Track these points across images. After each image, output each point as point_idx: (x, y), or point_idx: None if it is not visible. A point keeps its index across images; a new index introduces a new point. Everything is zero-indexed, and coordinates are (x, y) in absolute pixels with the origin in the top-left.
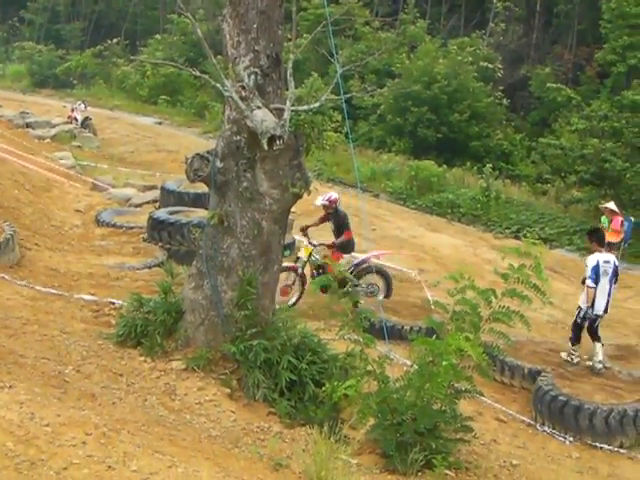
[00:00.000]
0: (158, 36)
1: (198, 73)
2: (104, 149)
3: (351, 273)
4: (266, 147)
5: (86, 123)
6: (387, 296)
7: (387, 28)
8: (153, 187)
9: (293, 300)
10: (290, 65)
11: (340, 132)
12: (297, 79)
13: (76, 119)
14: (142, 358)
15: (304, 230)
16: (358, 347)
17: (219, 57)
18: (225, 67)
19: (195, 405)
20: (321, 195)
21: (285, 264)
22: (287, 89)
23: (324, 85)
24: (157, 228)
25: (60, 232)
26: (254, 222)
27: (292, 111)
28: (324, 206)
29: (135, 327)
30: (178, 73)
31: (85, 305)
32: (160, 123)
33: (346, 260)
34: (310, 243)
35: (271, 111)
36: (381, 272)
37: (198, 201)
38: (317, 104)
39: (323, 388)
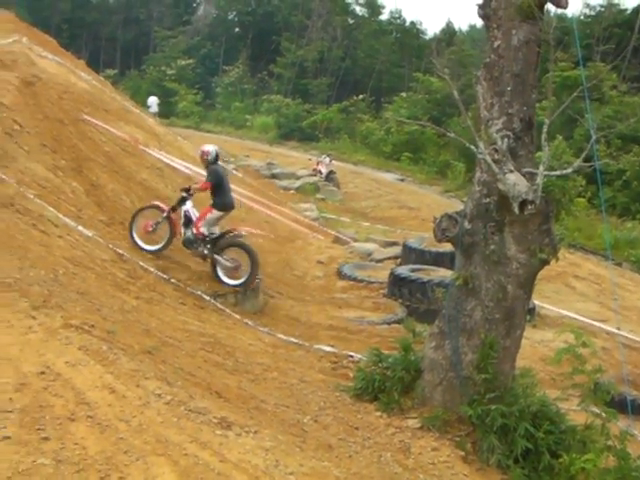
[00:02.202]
0: (403, 94)
1: (452, 134)
2: (346, 203)
3: (216, 238)
4: (517, 211)
5: (330, 177)
6: (249, 280)
7: (634, 92)
8: (394, 243)
9: (159, 246)
10: (545, 129)
11: (583, 197)
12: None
13: (321, 172)
14: (378, 413)
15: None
16: (599, 420)
17: (464, 116)
18: (476, 129)
19: (429, 465)
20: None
21: (156, 203)
22: (539, 152)
23: (568, 149)
24: (398, 284)
25: (302, 282)
26: (499, 285)
27: (544, 176)
28: (201, 158)
29: (373, 382)
30: (421, 131)
31: (324, 356)
32: (402, 180)
33: (216, 217)
34: (185, 189)
35: (523, 175)
36: (248, 251)
37: (439, 260)
38: (569, 170)
39: (560, 459)
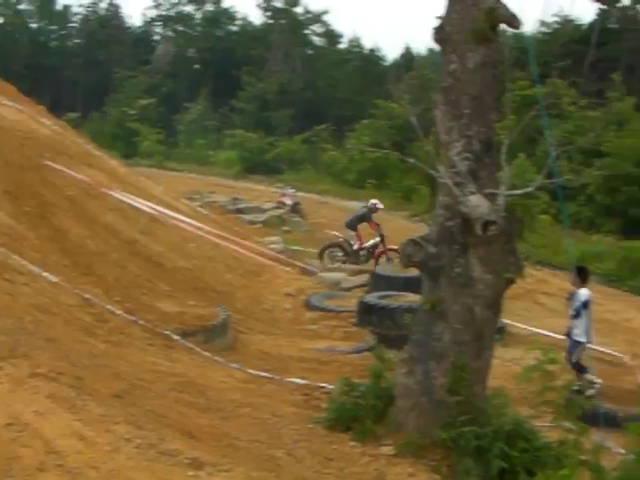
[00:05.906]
0: (365, 121)
1: (411, 160)
2: (313, 233)
3: None
4: (480, 233)
5: (296, 208)
6: None
7: (593, 106)
8: (362, 271)
9: None
10: (503, 150)
11: (547, 213)
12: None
13: (285, 204)
14: (352, 443)
15: None
16: (572, 436)
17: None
18: (436, 152)
19: None
20: None
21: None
22: (500, 173)
23: (531, 166)
24: (367, 312)
25: (271, 316)
26: (467, 308)
27: (506, 195)
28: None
29: (345, 412)
30: (385, 157)
31: (296, 389)
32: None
33: None
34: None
35: (484, 196)
36: None
37: (409, 285)
38: (530, 188)
39: (535, 477)
